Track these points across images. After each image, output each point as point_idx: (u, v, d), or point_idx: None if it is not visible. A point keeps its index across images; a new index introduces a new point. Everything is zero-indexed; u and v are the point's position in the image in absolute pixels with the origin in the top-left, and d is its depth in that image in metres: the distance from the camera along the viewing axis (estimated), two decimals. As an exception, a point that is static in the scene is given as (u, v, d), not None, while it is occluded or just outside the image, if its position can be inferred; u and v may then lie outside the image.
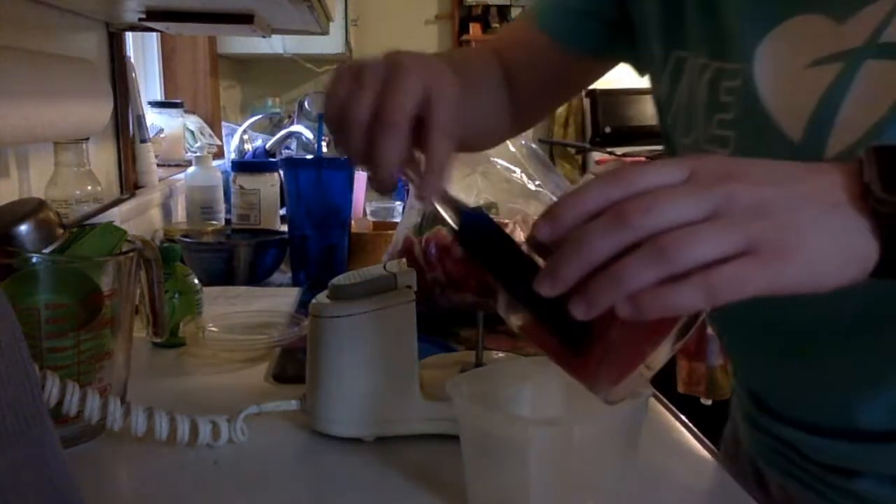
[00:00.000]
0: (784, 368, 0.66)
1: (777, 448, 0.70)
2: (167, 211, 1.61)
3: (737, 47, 0.59)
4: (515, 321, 0.47)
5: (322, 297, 0.67)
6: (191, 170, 1.57)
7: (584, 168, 3.90)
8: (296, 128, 2.02)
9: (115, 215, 1.11)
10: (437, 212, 0.51)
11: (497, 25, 4.15)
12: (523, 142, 1.15)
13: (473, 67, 0.80)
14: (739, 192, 0.40)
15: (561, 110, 4.03)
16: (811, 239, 0.39)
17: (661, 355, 0.44)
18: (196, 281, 0.94)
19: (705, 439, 0.70)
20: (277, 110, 2.76)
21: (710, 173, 0.41)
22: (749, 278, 0.38)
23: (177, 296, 0.91)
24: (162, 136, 1.82)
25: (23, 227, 0.61)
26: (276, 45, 2.77)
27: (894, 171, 0.40)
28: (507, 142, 1.10)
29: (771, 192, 0.40)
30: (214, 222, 1.52)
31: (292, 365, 0.82)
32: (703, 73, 0.63)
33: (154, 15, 1.26)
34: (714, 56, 0.62)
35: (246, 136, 2.17)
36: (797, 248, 0.39)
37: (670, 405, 0.75)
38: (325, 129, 1.84)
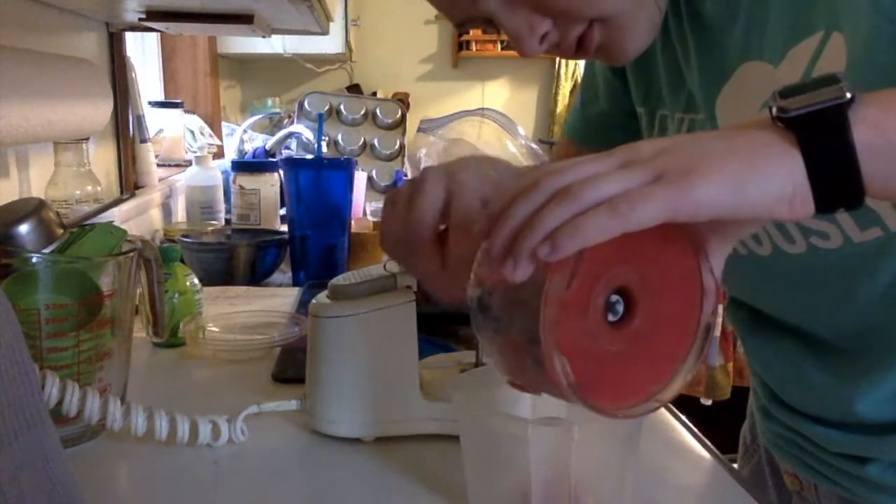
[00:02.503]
0: (794, 364, 0.69)
1: (789, 437, 0.73)
2: (167, 211, 1.61)
3: (701, 100, 0.65)
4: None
5: (322, 297, 0.67)
6: (191, 170, 1.57)
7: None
8: (296, 128, 2.02)
9: (115, 215, 1.11)
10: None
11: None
12: (523, 141, 1.15)
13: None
14: (642, 145, 0.42)
15: (561, 110, 4.03)
16: (716, 158, 0.40)
17: (672, 389, 0.45)
18: (196, 281, 0.94)
19: (705, 439, 0.70)
20: (277, 110, 2.76)
21: (620, 147, 0.43)
22: (652, 196, 0.38)
23: (177, 296, 0.91)
24: (162, 136, 1.82)
25: (23, 227, 0.61)
26: (276, 45, 2.77)
27: (791, 91, 0.42)
28: (507, 141, 1.10)
29: (670, 140, 0.42)
30: (214, 222, 1.52)
31: (292, 365, 0.82)
32: (680, 126, 0.68)
33: (154, 15, 1.26)
34: (687, 110, 0.68)
35: (246, 136, 2.17)
36: (701, 166, 0.39)
37: (670, 405, 0.75)
38: (324, 129, 1.84)
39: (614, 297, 0.43)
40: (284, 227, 1.34)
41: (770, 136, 0.41)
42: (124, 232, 0.67)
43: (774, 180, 0.40)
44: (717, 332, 2.00)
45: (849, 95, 0.40)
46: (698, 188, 0.39)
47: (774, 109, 0.41)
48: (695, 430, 0.71)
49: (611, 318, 0.43)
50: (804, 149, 0.40)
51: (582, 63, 3.99)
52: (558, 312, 0.41)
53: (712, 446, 0.69)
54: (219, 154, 2.06)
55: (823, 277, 0.62)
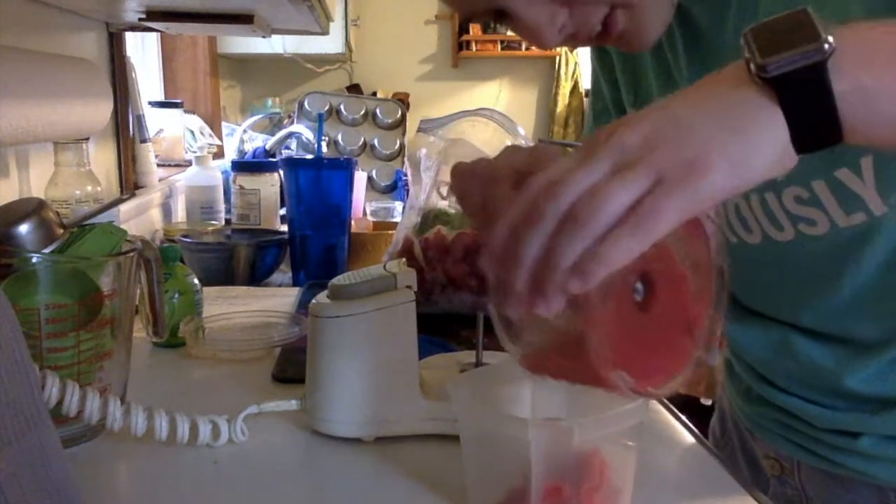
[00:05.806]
0: (783, 345, 0.70)
1: (775, 417, 0.74)
2: (167, 211, 1.61)
3: None
4: (521, 349, 0.47)
5: (322, 297, 0.67)
6: (191, 170, 1.57)
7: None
8: (296, 128, 2.02)
9: (115, 215, 1.11)
10: None
11: (497, 25, 4.15)
12: (523, 142, 1.15)
13: None
14: (626, 135, 0.40)
15: (561, 110, 4.03)
16: (709, 139, 0.39)
17: (714, 344, 0.45)
18: (196, 281, 0.94)
19: (705, 439, 0.70)
20: (277, 110, 2.76)
21: (597, 140, 0.41)
22: (666, 205, 0.38)
23: (177, 296, 0.91)
24: (162, 136, 1.82)
25: (23, 227, 0.61)
26: (276, 45, 2.77)
27: (768, 39, 0.40)
28: (507, 142, 1.10)
29: (653, 121, 0.40)
30: (214, 222, 1.52)
31: (292, 365, 0.82)
32: None
33: (154, 15, 1.26)
34: None
35: (246, 136, 2.17)
36: (700, 155, 0.38)
37: (670, 405, 0.76)
38: (324, 129, 1.84)
39: (638, 285, 0.44)
40: (284, 227, 1.34)
41: (749, 96, 0.40)
42: (124, 232, 0.67)
43: (768, 146, 0.40)
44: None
45: (826, 48, 0.39)
46: (706, 182, 0.38)
47: (753, 66, 0.40)
48: (695, 430, 0.71)
49: (636, 297, 0.44)
50: (787, 108, 0.40)
51: (581, 63, 3.98)
52: (603, 330, 0.41)
53: (712, 446, 0.69)
54: (219, 154, 2.05)
55: (811, 264, 0.64)
